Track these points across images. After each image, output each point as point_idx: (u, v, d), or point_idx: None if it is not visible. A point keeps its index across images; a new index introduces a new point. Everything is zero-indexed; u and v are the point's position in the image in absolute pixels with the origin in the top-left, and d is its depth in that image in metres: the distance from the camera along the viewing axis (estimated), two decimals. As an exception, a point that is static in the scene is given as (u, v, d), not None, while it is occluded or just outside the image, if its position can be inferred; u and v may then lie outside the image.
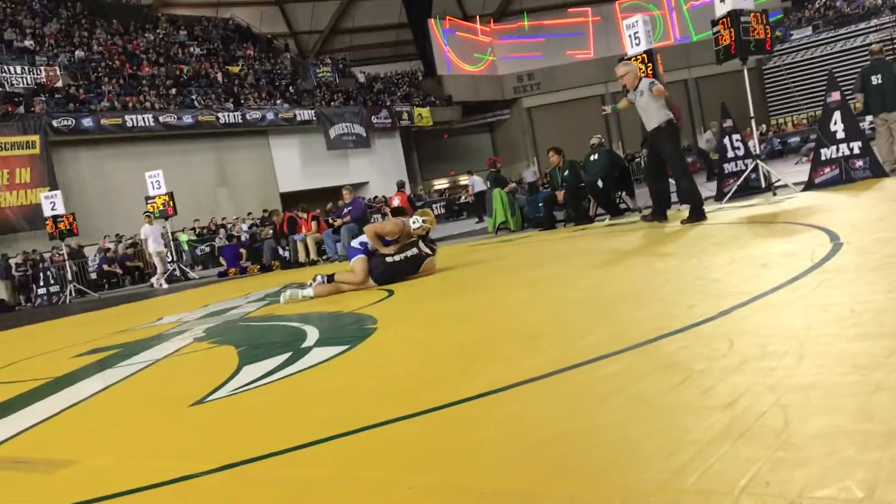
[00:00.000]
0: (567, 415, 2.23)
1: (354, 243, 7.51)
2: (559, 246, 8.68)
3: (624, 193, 12.13)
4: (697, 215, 8.11)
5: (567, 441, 1.99)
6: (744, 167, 10.74)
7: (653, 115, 8.35)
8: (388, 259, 7.29)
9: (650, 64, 11.72)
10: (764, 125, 30.46)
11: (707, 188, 12.04)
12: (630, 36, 12.08)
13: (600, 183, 11.51)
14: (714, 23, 10.51)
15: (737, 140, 10.95)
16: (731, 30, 10.08)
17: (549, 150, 12.32)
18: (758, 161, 10.72)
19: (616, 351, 2.85)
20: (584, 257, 7.11)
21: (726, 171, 10.95)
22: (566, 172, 11.69)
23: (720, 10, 10.27)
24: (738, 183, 10.59)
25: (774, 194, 10.07)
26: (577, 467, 1.80)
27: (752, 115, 10.88)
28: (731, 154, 10.92)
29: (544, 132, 39.60)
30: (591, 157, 11.98)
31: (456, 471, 1.92)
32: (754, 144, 11.30)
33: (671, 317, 3.33)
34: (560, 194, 11.66)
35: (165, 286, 17.18)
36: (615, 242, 7.79)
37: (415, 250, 7.35)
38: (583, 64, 41.57)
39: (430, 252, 7.43)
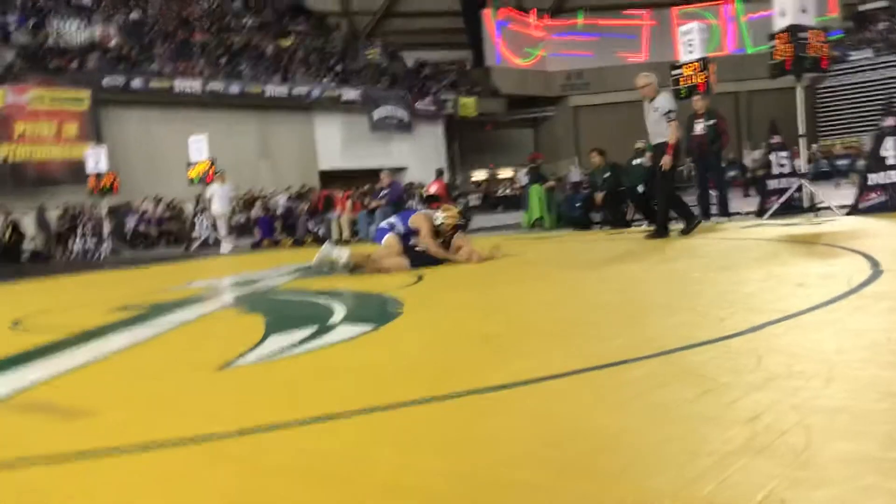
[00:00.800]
0: (586, 414, 2.22)
1: (383, 224, 7.53)
2: (593, 247, 8.64)
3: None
4: (658, 233, 8.63)
5: (584, 440, 1.99)
6: (788, 185, 10.59)
7: (657, 131, 8.66)
8: (414, 247, 7.35)
9: (703, 73, 11.57)
10: (814, 145, 29.98)
11: (747, 203, 11.89)
12: (685, 42, 11.94)
13: (641, 188, 11.41)
14: (771, 36, 10.36)
15: (783, 157, 10.79)
16: (789, 45, 9.92)
17: (591, 150, 12.25)
18: (803, 181, 10.56)
19: (642, 356, 2.84)
20: (617, 261, 7.06)
21: (769, 188, 10.80)
22: (607, 174, 11.61)
23: (779, 23, 10.12)
24: (781, 201, 10.44)
25: (816, 215, 9.92)
26: (591, 466, 1.80)
27: (801, 133, 10.71)
28: (776, 171, 10.78)
29: (589, 132, 39.28)
30: (635, 162, 11.87)
31: (471, 458, 1.92)
32: (801, 163, 11.13)
33: (701, 327, 3.30)
34: (599, 196, 11.59)
35: (229, 248, 16.80)
36: (650, 249, 7.73)
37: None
38: (634, 67, 40.91)
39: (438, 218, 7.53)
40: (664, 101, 8.70)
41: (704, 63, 11.59)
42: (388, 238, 7.31)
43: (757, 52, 34.89)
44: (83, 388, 3.28)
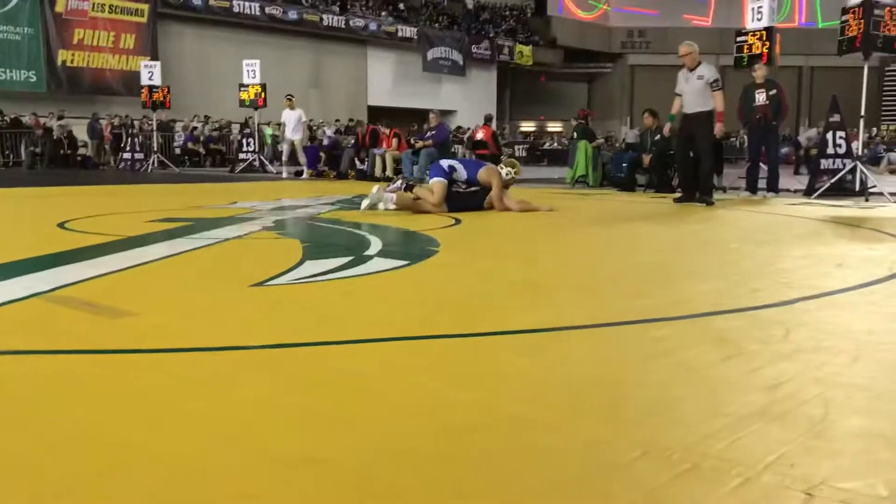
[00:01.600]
0: (609, 365, 2.25)
1: (443, 164, 7.54)
2: (634, 209, 8.57)
3: (711, 170, 11.82)
4: (704, 200, 8.70)
5: (603, 388, 2.03)
6: (841, 166, 10.34)
7: (698, 100, 8.60)
8: (454, 189, 7.37)
9: (767, 42, 11.25)
10: (874, 129, 29.14)
11: (797, 181, 11.67)
12: (753, 9, 11.58)
13: (690, 153, 11.22)
14: (844, 11, 10.01)
15: (840, 137, 10.51)
16: (861, 21, 9.60)
17: (644, 111, 12.03)
18: (857, 163, 10.31)
19: (670, 317, 2.85)
20: (656, 224, 7.02)
21: (822, 167, 10.56)
22: (657, 137, 11.42)
23: (854, -1, 9.77)
24: (832, 181, 10.22)
25: (867, 200, 9.70)
26: (606, 413, 1.84)
27: (862, 114, 10.42)
28: (830, 150, 10.51)
29: (644, 93, 38.55)
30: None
31: (491, 392, 1.97)
32: (858, 145, 10.85)
33: (733, 296, 3.30)
34: (647, 158, 11.44)
35: (285, 175, 16.90)
36: (692, 216, 7.65)
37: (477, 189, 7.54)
38: (698, 30, 40.01)
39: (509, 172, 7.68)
40: (709, 70, 8.68)
41: (770, 32, 11.26)
42: (437, 183, 7.31)
43: (827, 27, 33.77)
44: (125, 290, 3.38)
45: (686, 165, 9.18)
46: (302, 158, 16.96)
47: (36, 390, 2.00)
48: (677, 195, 9.40)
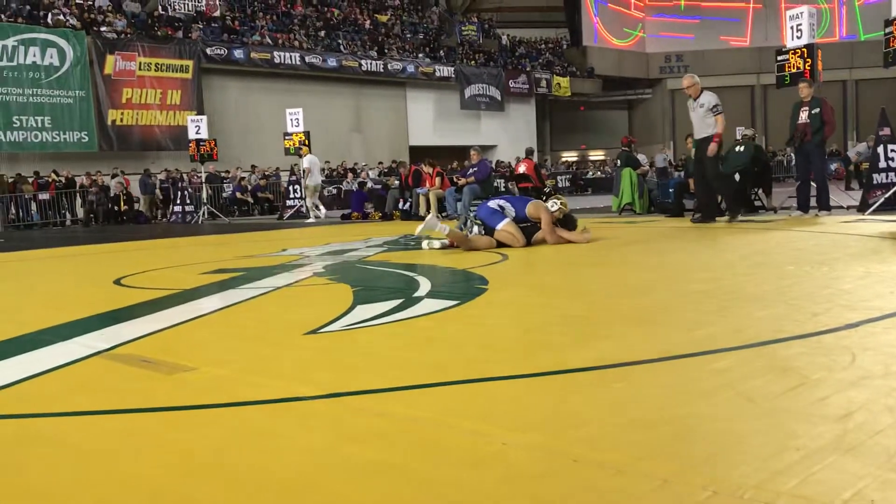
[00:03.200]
0: (671, 401, 2.20)
1: (492, 205, 7.63)
2: (684, 235, 8.46)
3: (760, 191, 11.65)
4: (705, 218, 9.62)
5: (667, 426, 1.98)
6: (895, 180, 10.10)
7: (704, 127, 9.46)
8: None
9: (808, 59, 11.11)
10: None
11: (849, 196, 11.41)
12: (792, 28, 11.47)
13: (737, 176, 11.08)
14: (888, 23, 9.85)
15: (892, 150, 10.27)
16: (906, 32, 9.43)
17: (688, 135, 11.92)
18: (912, 176, 10.05)
19: (731, 347, 2.79)
20: (707, 249, 6.91)
21: (875, 182, 10.32)
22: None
23: (897, 8, 9.62)
24: (887, 196, 9.98)
25: (924, 214, 9.44)
26: (673, 452, 1.79)
27: (913, 125, 10.19)
28: (882, 164, 10.26)
29: (685, 117, 38.05)
30: (737, 149, 11.52)
31: (552, 435, 1.94)
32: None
33: (793, 321, 3.22)
34: (692, 182, 11.31)
35: (321, 217, 17.84)
36: (743, 240, 7.52)
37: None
38: (736, 51, 39.82)
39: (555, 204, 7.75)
40: (709, 97, 9.47)
41: (811, 49, 11.12)
42: (510, 226, 7.39)
43: (870, 39, 33.26)
44: (182, 345, 3.44)
45: (702, 186, 9.85)
46: (312, 202, 18.17)
47: (98, 449, 2.03)
48: (696, 216, 9.91)
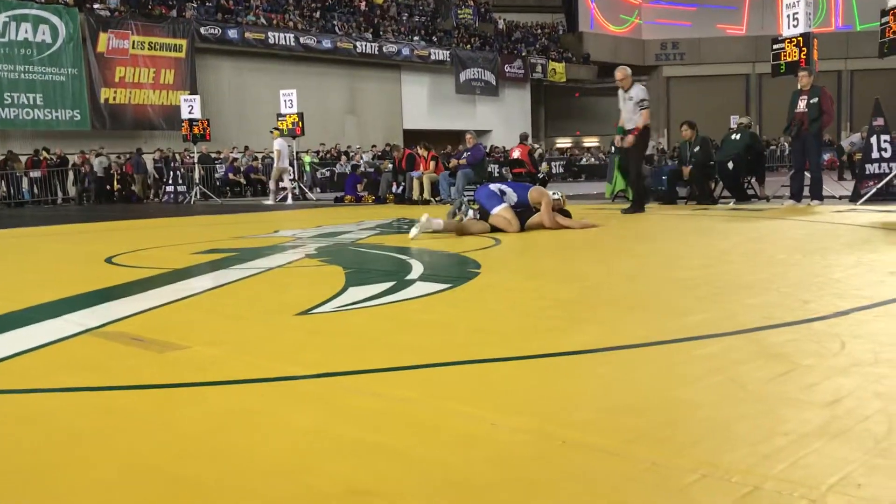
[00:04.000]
0: (660, 385, 2.21)
1: (493, 188, 7.62)
2: (676, 222, 8.48)
3: (753, 179, 11.67)
4: (635, 209, 9.81)
5: (656, 410, 1.99)
6: (888, 170, 10.12)
7: (630, 119, 9.81)
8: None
9: (804, 49, 11.10)
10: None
11: (842, 186, 11.45)
12: (789, 16, 11.44)
13: (731, 165, 11.09)
14: (884, 13, 9.84)
15: (885, 141, 10.30)
16: (902, 22, 9.43)
17: (682, 123, 11.92)
18: (905, 166, 10.08)
19: (720, 333, 2.80)
20: (700, 237, 6.93)
21: (867, 172, 10.35)
22: (696, 149, 11.31)
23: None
24: (879, 186, 10.01)
25: (917, 204, 9.48)
26: (662, 436, 1.79)
27: (907, 116, 10.21)
28: (875, 155, 10.29)
29: (680, 105, 38.32)
30: (733, 137, 11.53)
31: (540, 417, 1.95)
32: (904, 148, 10.61)
33: (784, 308, 3.23)
34: (686, 170, 11.32)
35: (271, 203, 17.94)
36: (736, 227, 7.54)
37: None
38: (732, 39, 39.83)
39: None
40: (639, 91, 9.74)
41: (808, 38, 11.11)
42: (506, 211, 7.38)
43: (866, 30, 33.27)
44: (173, 323, 3.43)
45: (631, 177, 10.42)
46: (273, 185, 18.59)
47: (89, 427, 2.02)
48: (625, 206, 10.31)
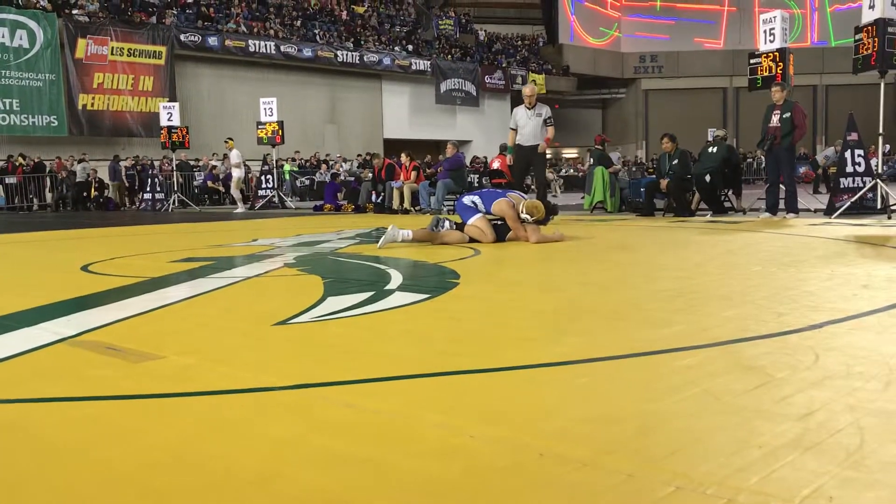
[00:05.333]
0: (636, 397, 2.23)
1: (466, 200, 7.59)
2: (654, 234, 8.54)
3: (731, 192, 11.79)
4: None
5: (632, 421, 2.00)
6: (861, 184, 10.27)
7: (536, 136, 10.34)
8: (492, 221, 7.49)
9: (780, 63, 11.25)
10: (888, 145, 28.94)
11: (817, 199, 11.59)
12: (765, 31, 11.60)
13: (708, 177, 11.20)
14: (858, 30, 10.01)
15: (859, 155, 10.46)
16: (875, 39, 9.58)
17: (662, 136, 12.01)
18: (878, 180, 10.23)
19: (696, 345, 2.82)
20: (677, 249, 6.98)
21: (841, 186, 10.49)
22: (675, 161, 11.41)
23: (867, 16, 9.76)
24: (853, 200, 10.15)
25: (889, 217, 9.62)
26: (638, 447, 1.81)
27: (881, 131, 10.37)
28: (849, 169, 10.44)
29: (658, 117, 38.65)
30: (710, 150, 11.64)
31: (519, 428, 1.95)
32: (877, 163, 10.78)
33: (758, 321, 3.26)
34: (664, 182, 11.41)
35: (240, 211, 18.11)
36: (712, 240, 7.61)
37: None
38: (710, 53, 40.27)
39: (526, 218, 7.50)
40: (546, 109, 10.48)
41: (784, 53, 11.26)
42: (480, 221, 7.39)
43: (840, 45, 33.78)
44: (149, 333, 3.40)
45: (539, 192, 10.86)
46: (237, 194, 18.91)
47: (63, 438, 2.00)
48: (604, 217, 10.89)
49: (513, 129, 10.57)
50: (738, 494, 1.50)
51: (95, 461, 1.81)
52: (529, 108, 10.37)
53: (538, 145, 10.35)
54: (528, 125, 10.34)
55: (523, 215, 7.37)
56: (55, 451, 1.90)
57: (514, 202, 7.52)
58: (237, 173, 18.58)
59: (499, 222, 7.52)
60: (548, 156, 11.21)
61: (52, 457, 1.85)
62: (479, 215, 7.44)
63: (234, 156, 18.32)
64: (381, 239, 7.17)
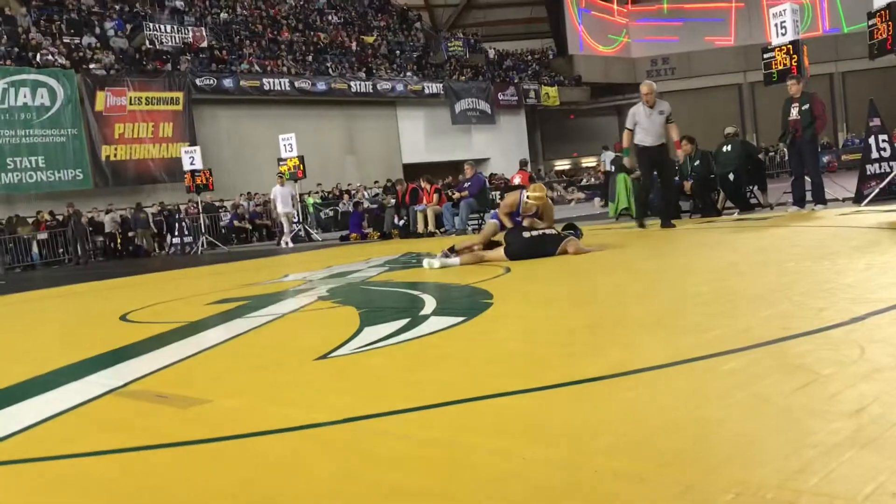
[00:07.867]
0: (686, 405, 2.22)
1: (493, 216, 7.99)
2: (683, 237, 8.50)
3: (756, 188, 11.69)
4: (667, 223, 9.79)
5: (684, 430, 2.00)
6: (888, 170, 10.15)
7: (660, 134, 9.80)
8: (525, 234, 7.38)
9: (794, 56, 11.18)
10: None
11: (844, 188, 11.47)
12: (776, 25, 11.56)
13: (731, 176, 11.12)
14: (871, 15, 9.94)
15: (883, 140, 10.34)
16: (889, 23, 9.51)
17: (682, 137, 11.96)
18: (905, 164, 10.11)
19: (740, 348, 2.81)
20: (708, 251, 6.94)
21: (868, 173, 10.37)
22: (696, 163, 11.35)
23: (879, 1, 9.69)
24: (881, 186, 10.03)
25: (920, 201, 9.49)
26: (692, 457, 1.81)
27: (903, 114, 10.26)
28: (875, 155, 10.33)
29: (675, 119, 38.43)
30: (724, 148, 11.55)
31: (570, 447, 1.96)
32: (903, 146, 10.65)
33: (799, 318, 3.24)
34: (687, 184, 11.35)
35: (290, 245, 17.87)
36: (742, 238, 7.56)
37: (552, 230, 7.48)
38: (721, 51, 40.04)
39: (570, 233, 7.61)
40: (667, 105, 9.92)
41: (797, 45, 11.20)
42: (490, 223, 7.71)
43: (853, 31, 33.45)
44: (194, 377, 3.45)
45: (659, 191, 10.40)
46: (287, 227, 18.97)
47: (125, 487, 2.04)
48: (631, 225, 10.52)
49: (629, 129, 9.99)
50: (799, 497, 1.49)
51: (159, 510, 1.84)
52: (650, 107, 9.77)
53: (663, 144, 9.79)
54: (651, 124, 9.77)
55: (528, 202, 7.47)
56: (118, 501, 1.93)
57: (512, 201, 7.71)
58: (283, 208, 18.88)
59: (546, 231, 7.45)
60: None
61: (116, 509, 1.89)
62: (493, 220, 7.93)
63: (279, 190, 18.77)
64: (436, 261, 7.38)
